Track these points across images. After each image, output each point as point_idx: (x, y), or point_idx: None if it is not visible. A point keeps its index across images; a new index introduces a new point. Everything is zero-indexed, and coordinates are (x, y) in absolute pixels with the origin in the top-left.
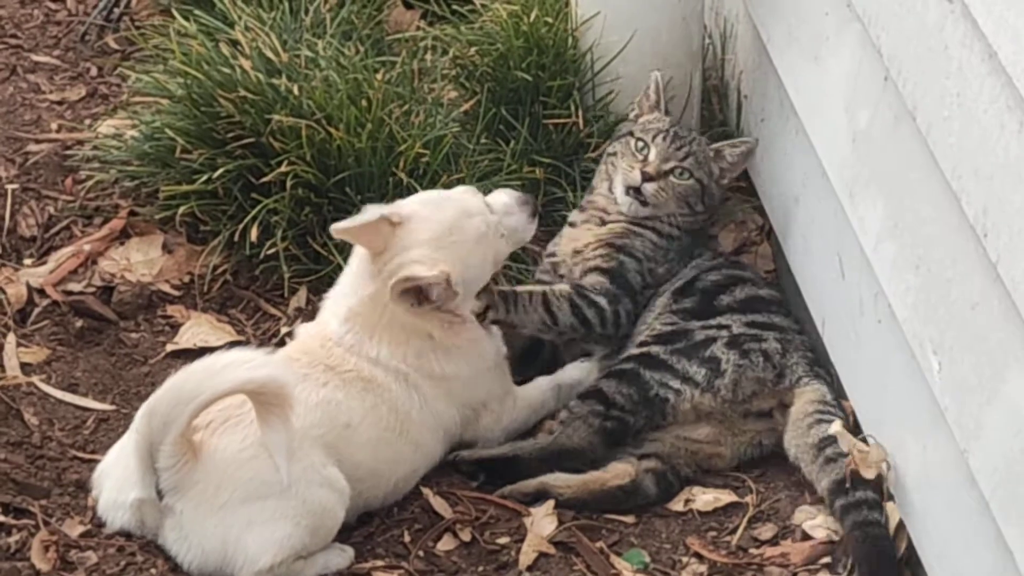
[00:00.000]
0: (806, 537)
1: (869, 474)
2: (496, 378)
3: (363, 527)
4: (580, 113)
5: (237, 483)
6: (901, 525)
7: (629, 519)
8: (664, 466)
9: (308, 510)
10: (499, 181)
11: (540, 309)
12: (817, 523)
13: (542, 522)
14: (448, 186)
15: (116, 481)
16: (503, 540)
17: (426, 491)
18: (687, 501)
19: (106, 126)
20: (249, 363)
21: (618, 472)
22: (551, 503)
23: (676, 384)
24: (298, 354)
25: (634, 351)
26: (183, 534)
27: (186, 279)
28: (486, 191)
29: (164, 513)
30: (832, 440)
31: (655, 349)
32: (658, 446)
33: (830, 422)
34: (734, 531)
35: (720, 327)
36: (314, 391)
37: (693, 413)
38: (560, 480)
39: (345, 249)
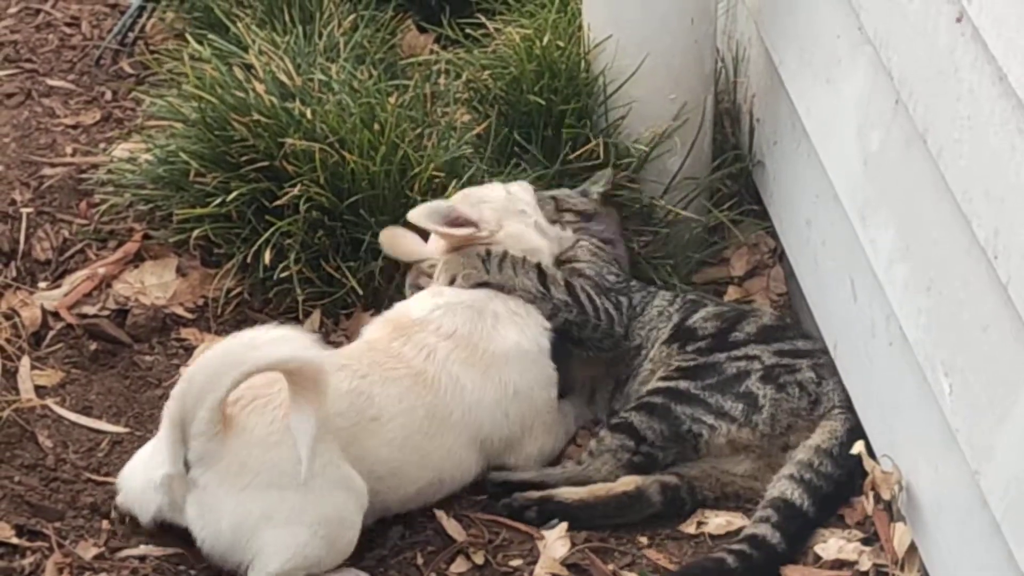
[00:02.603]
0: (817, 560)
1: (886, 495)
2: (549, 404)
3: (376, 550)
4: (599, 139)
5: (260, 467)
6: (913, 547)
7: (643, 540)
8: (680, 481)
9: (325, 515)
10: None
11: (533, 275)
12: (829, 546)
13: (554, 544)
14: None
15: (145, 472)
16: (516, 563)
17: (439, 513)
18: (699, 524)
19: (120, 150)
20: (293, 341)
21: (625, 481)
22: (564, 525)
23: (710, 420)
24: (354, 350)
25: (661, 385)
26: (203, 509)
27: (200, 302)
28: None
29: (189, 487)
30: None
31: (684, 384)
32: (686, 468)
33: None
34: None
35: (749, 358)
36: (347, 380)
37: (729, 447)
38: (566, 489)
39: (358, 272)
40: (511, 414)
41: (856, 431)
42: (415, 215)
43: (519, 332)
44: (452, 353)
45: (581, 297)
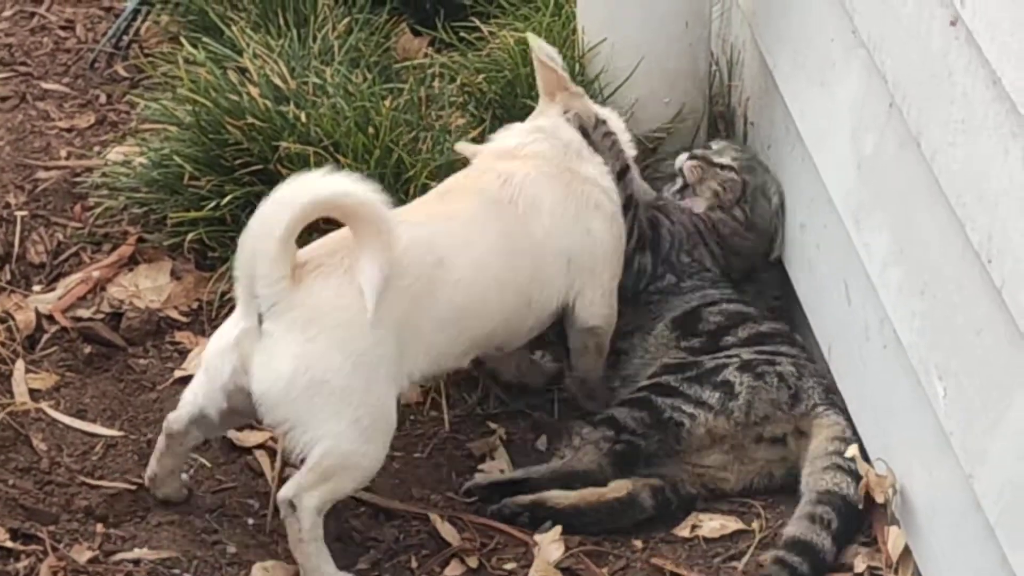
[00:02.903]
0: None
1: (880, 498)
2: (617, 258)
3: (371, 552)
4: None
5: (325, 326)
6: (907, 550)
7: (637, 543)
8: (663, 483)
9: (368, 402)
10: None
11: (618, 165)
12: None
13: (549, 548)
14: None
15: (219, 340)
16: (510, 566)
17: (433, 517)
18: (694, 527)
19: (115, 153)
20: (349, 179)
21: (616, 487)
22: (558, 529)
23: (689, 408)
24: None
25: (645, 382)
26: (267, 356)
27: (194, 305)
28: None
29: (261, 337)
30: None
31: (665, 378)
32: (663, 469)
33: (846, 469)
34: (740, 557)
35: (729, 356)
36: (403, 235)
37: (708, 438)
38: (557, 494)
39: None
40: (593, 230)
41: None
42: (535, 39)
43: (601, 175)
44: (532, 172)
45: (634, 226)
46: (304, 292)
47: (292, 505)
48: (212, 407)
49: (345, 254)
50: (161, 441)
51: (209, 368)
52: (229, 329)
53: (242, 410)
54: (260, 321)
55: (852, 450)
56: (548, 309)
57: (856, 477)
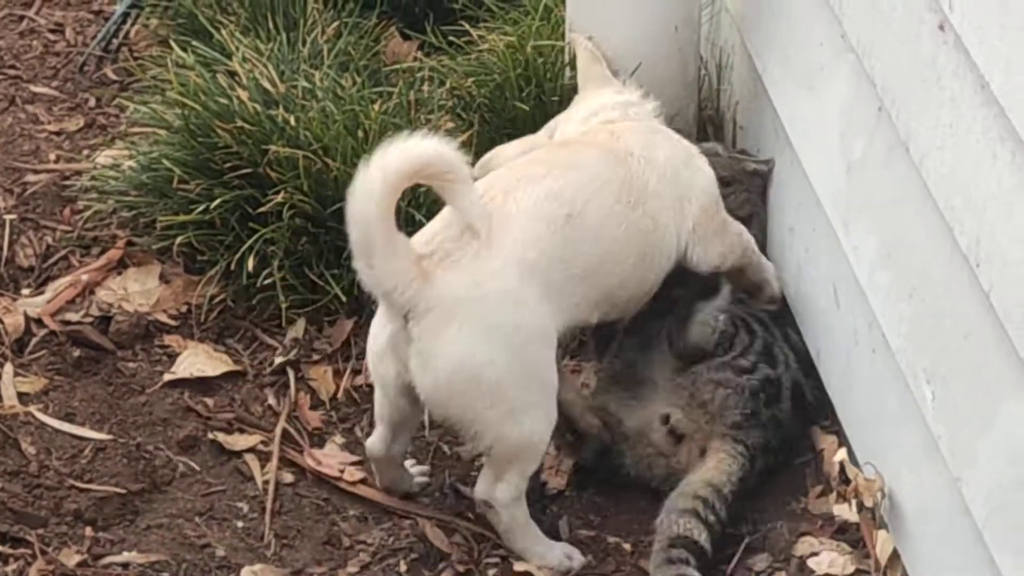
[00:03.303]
0: (802, 569)
1: (869, 502)
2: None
3: (359, 555)
4: None
5: (468, 319)
6: (895, 554)
7: (626, 547)
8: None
9: (526, 381)
10: None
11: None
12: (821, 560)
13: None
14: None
15: (375, 342)
16: (493, 572)
17: (422, 521)
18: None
19: (104, 156)
20: (432, 141)
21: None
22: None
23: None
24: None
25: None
26: (422, 360)
27: (183, 309)
28: None
29: (411, 339)
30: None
31: None
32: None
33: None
34: (728, 561)
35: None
36: (526, 195)
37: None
38: None
39: (341, 279)
40: (700, 170)
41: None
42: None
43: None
44: (642, 129)
45: None
46: (437, 288)
47: (487, 503)
48: (396, 411)
49: (461, 234)
50: (373, 466)
51: (377, 377)
52: (379, 332)
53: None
54: (407, 320)
55: (841, 454)
56: (669, 256)
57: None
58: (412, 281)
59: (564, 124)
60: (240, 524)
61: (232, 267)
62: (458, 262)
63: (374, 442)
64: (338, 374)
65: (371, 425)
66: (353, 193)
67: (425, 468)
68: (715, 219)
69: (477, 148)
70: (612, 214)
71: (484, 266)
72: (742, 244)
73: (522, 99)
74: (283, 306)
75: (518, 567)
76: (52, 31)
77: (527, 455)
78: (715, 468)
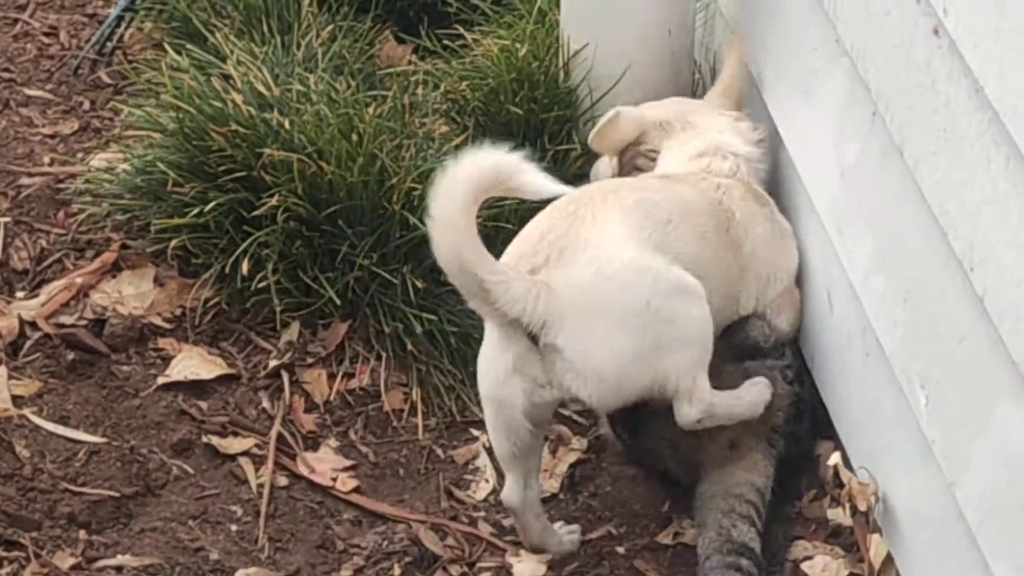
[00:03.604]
0: (796, 573)
1: (863, 506)
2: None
3: (352, 559)
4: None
5: (605, 309)
6: (889, 558)
7: (620, 550)
8: None
9: (671, 321)
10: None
11: None
12: (815, 564)
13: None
14: None
15: (492, 370)
16: (492, 575)
17: (416, 525)
18: (676, 534)
19: (98, 160)
20: (489, 153)
21: None
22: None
23: None
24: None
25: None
26: (578, 369)
27: (177, 312)
28: (486, 227)
29: (547, 354)
30: None
31: None
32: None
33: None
34: None
35: None
36: (627, 195)
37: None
38: None
39: (336, 282)
40: (786, 255)
41: None
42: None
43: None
44: (747, 194)
45: None
46: (565, 292)
47: (699, 421)
48: (519, 441)
49: (567, 230)
50: (515, 521)
51: (497, 407)
52: (497, 358)
53: (544, 420)
54: (535, 341)
55: (835, 458)
56: (742, 310)
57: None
58: (538, 297)
59: (673, 151)
60: (234, 527)
61: (226, 270)
62: (573, 257)
63: (508, 493)
64: (332, 377)
65: (365, 428)
66: (439, 247)
67: (575, 527)
68: (792, 296)
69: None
70: (706, 241)
71: (599, 251)
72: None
73: (516, 103)
74: (277, 309)
75: (516, 571)
76: (46, 34)
77: (701, 359)
78: (757, 470)
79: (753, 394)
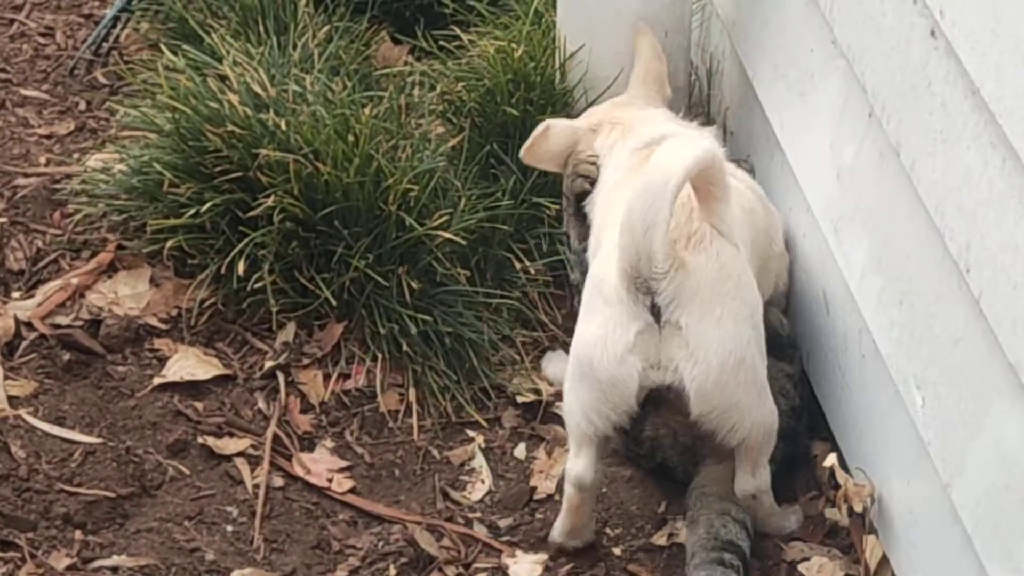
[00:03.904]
0: (792, 574)
1: (859, 508)
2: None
3: (348, 559)
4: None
5: (724, 302)
6: (884, 559)
7: (616, 551)
8: None
9: (765, 362)
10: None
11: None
12: (811, 565)
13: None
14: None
15: (606, 351)
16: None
17: (412, 526)
18: (671, 535)
19: (94, 160)
20: (699, 140)
21: None
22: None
23: None
24: None
25: None
26: (691, 349)
27: (173, 312)
28: (482, 229)
29: (666, 332)
30: None
31: None
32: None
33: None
34: None
35: None
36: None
37: None
38: None
39: (331, 283)
40: (777, 243)
41: None
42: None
43: None
44: (753, 200)
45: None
46: (695, 274)
47: (754, 496)
48: (611, 423)
49: (687, 220)
50: (573, 498)
51: (610, 387)
52: (621, 332)
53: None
54: (656, 317)
55: (831, 459)
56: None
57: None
58: (676, 270)
59: (616, 148)
60: (230, 528)
61: (222, 271)
62: (702, 244)
63: (583, 470)
64: (328, 378)
65: (361, 429)
66: (641, 195)
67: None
68: (785, 259)
69: (467, 153)
70: (739, 220)
71: (724, 248)
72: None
73: (512, 104)
74: (273, 310)
75: (512, 572)
76: (42, 34)
77: (773, 435)
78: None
79: (790, 519)
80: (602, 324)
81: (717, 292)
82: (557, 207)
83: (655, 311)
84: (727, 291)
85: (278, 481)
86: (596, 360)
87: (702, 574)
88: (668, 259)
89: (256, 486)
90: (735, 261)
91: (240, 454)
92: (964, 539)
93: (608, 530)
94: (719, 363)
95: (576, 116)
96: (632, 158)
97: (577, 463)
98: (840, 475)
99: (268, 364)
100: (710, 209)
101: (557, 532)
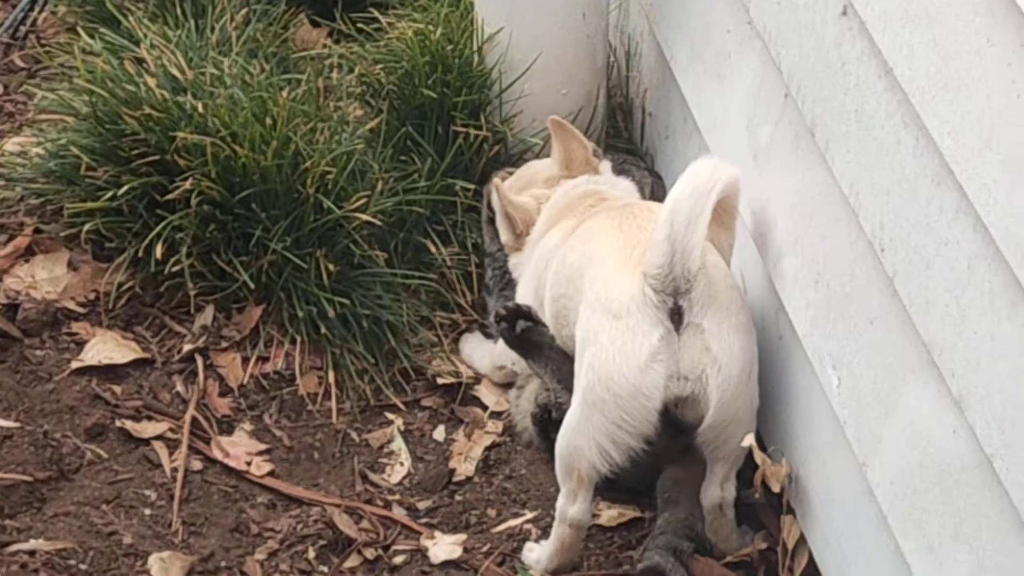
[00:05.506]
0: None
1: (776, 488)
2: None
3: (267, 542)
4: (492, 133)
5: (732, 310)
6: (802, 539)
7: (536, 532)
8: None
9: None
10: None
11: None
12: None
13: (445, 539)
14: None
15: (626, 359)
16: (399, 559)
17: (330, 509)
18: (593, 516)
19: (11, 144)
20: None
21: None
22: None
23: None
24: None
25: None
26: (713, 355)
27: (91, 296)
28: (399, 211)
29: (686, 337)
30: None
31: None
32: None
33: None
34: (636, 546)
35: None
36: None
37: None
38: None
39: (249, 266)
40: None
41: None
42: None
43: None
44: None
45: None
46: (713, 276)
47: (721, 507)
48: (629, 453)
49: None
50: (568, 537)
51: (632, 401)
52: (643, 340)
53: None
54: (676, 323)
55: (749, 439)
56: None
57: None
58: (703, 272)
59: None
60: (148, 512)
61: (140, 254)
62: (712, 255)
63: (582, 514)
64: (246, 361)
65: (280, 412)
66: (687, 194)
67: None
68: None
69: (385, 135)
70: None
71: (721, 263)
72: None
73: (430, 86)
74: (191, 293)
75: (431, 554)
76: None
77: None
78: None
79: (745, 539)
80: (616, 337)
81: (731, 299)
82: (472, 188)
83: (675, 316)
84: (736, 300)
85: (196, 464)
86: (616, 375)
87: (657, 559)
88: (701, 259)
89: (174, 469)
90: (731, 278)
91: (158, 437)
92: (880, 518)
93: (528, 511)
94: (739, 371)
95: (492, 99)
96: (581, 202)
97: (575, 507)
98: (757, 455)
99: (186, 347)
100: (713, 230)
101: (547, 566)
